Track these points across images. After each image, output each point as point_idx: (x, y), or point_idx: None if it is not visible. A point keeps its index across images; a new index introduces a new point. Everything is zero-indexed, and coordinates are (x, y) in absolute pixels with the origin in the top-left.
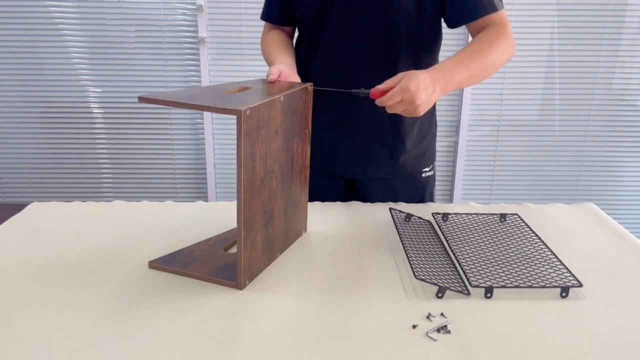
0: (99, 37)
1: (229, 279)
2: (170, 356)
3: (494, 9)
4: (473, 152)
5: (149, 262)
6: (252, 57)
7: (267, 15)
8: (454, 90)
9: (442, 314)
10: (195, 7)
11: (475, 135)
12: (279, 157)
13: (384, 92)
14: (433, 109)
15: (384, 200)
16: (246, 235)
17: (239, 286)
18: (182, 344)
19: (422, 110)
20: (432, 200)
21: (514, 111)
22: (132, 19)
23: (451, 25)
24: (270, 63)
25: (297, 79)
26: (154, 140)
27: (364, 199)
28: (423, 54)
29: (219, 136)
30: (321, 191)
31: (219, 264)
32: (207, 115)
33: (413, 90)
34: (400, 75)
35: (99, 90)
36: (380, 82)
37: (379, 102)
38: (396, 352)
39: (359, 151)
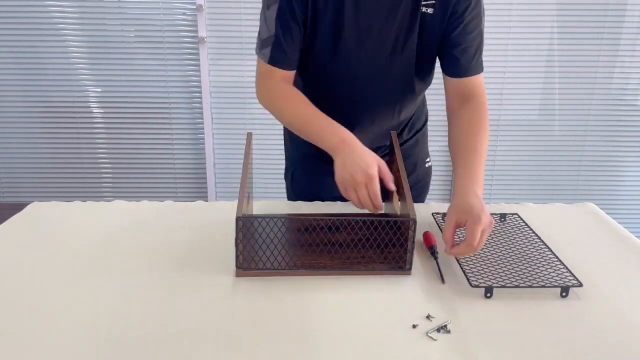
0: (99, 37)
1: None
2: (173, 355)
3: (479, 70)
4: None
5: None
6: (252, 57)
7: (280, 59)
8: None
9: (442, 314)
10: (195, 7)
11: None
12: None
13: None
14: (423, 103)
15: None
16: None
17: None
18: (186, 343)
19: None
20: (428, 192)
21: (514, 111)
22: (132, 19)
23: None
24: (322, 132)
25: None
26: (154, 140)
27: None
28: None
29: (219, 136)
30: (323, 190)
31: None
32: (207, 115)
33: (484, 218)
34: (453, 217)
35: (99, 90)
36: (382, 119)
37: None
38: (396, 352)
39: None
